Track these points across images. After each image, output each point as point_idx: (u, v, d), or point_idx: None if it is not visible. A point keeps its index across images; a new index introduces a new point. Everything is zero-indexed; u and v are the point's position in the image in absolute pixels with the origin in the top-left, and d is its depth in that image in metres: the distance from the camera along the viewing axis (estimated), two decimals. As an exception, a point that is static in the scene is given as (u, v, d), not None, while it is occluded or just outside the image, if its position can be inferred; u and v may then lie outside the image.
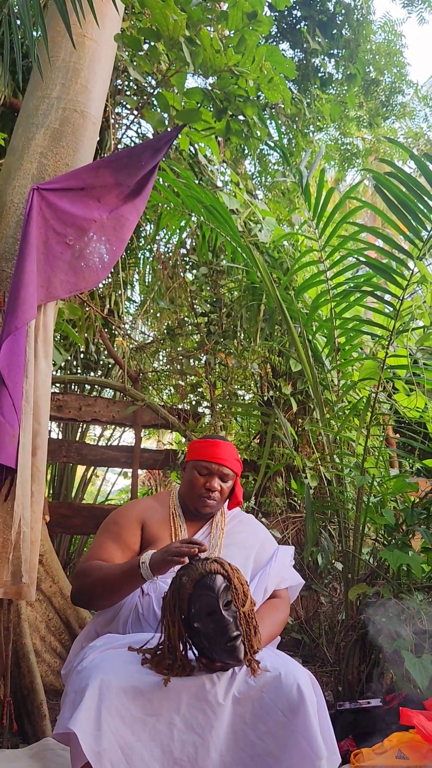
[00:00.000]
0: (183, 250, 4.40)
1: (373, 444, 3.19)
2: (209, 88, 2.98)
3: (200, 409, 4.17)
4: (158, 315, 4.64)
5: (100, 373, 5.12)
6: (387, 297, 2.90)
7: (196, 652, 1.62)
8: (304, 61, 5.86)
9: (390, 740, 2.07)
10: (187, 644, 1.61)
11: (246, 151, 5.04)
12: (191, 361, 4.25)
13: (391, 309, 2.83)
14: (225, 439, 2.11)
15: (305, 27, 5.79)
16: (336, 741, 1.75)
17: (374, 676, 2.57)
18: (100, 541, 1.94)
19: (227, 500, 2.12)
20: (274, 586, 2.02)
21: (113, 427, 5.17)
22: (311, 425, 3.71)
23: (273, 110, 5.39)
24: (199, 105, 3.12)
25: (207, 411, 4.21)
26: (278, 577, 2.04)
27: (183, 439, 4.08)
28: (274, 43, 6.08)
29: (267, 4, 4.96)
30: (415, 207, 2.59)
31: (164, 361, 4.75)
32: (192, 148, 4.01)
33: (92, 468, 5.09)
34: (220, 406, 4.10)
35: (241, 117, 3.02)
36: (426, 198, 2.56)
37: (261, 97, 3.82)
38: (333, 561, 3.27)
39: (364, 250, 2.92)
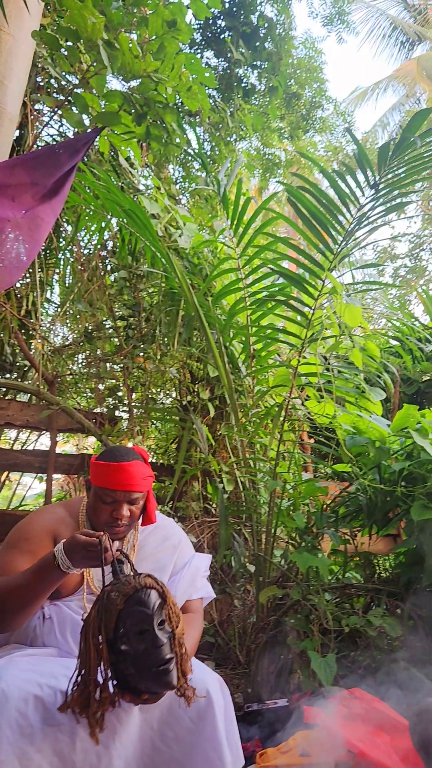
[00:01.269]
0: (103, 253, 4.36)
1: (287, 449, 3.28)
2: (129, 92, 2.97)
3: (118, 413, 4.14)
4: (77, 317, 4.57)
5: (15, 375, 4.97)
6: (302, 307, 2.99)
7: (115, 684, 1.44)
8: (228, 71, 5.94)
9: (294, 739, 2.12)
10: (108, 673, 1.41)
11: (168, 156, 5.04)
12: (108, 365, 4.21)
13: (304, 318, 2.92)
14: (131, 455, 1.86)
15: (229, 37, 5.88)
16: (242, 742, 1.79)
17: (283, 676, 2.63)
18: (7, 558, 1.75)
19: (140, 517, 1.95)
20: (186, 596, 1.95)
21: (29, 431, 5.04)
22: (227, 430, 3.76)
23: (197, 118, 5.44)
24: (119, 108, 3.11)
25: (124, 415, 4.18)
26: (191, 587, 1.97)
27: (101, 444, 4.04)
28: (199, 51, 6.15)
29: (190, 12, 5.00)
30: (327, 221, 2.68)
31: (83, 364, 4.68)
32: (113, 151, 3.98)
33: (6, 472, 4.93)
34: (138, 410, 4.09)
35: (161, 123, 3.03)
36: (336, 213, 2.66)
37: (183, 105, 3.84)
38: (246, 563, 3.32)
39: (279, 260, 3.00)
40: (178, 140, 2.90)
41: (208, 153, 5.69)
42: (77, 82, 3.10)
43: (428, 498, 2.65)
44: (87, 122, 3.26)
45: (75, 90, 3.02)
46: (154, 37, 2.82)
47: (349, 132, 2.52)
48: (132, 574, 1.50)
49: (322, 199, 2.62)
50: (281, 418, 2.95)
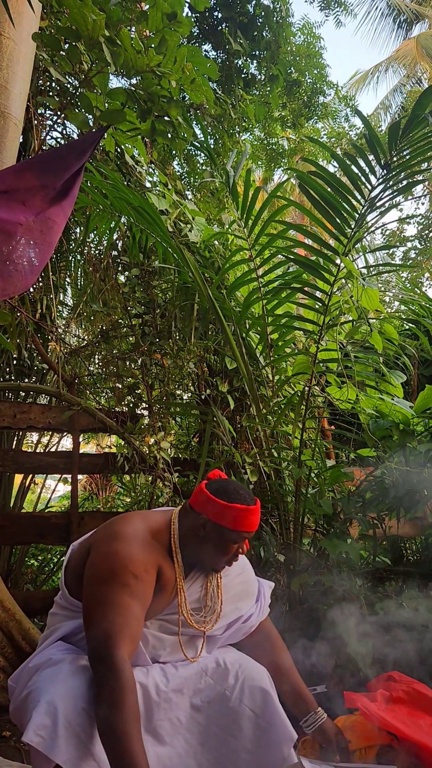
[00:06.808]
0: (114, 252, 4.37)
1: (309, 437, 3.27)
2: (133, 89, 2.97)
3: (138, 411, 4.15)
4: (92, 318, 4.59)
5: (34, 378, 5.01)
6: (317, 293, 2.98)
7: None
8: (227, 63, 5.91)
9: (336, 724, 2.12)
10: None
11: (173, 152, 5.04)
12: (127, 363, 4.22)
13: (320, 304, 2.90)
14: (250, 492, 1.83)
15: (226, 28, 5.84)
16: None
17: (319, 662, 2.63)
18: (119, 598, 1.56)
19: None
20: (263, 616, 2.05)
21: (51, 433, 5.07)
22: (248, 421, 3.76)
23: (199, 111, 5.42)
24: (123, 105, 3.11)
25: (145, 412, 4.19)
26: (266, 608, 2.06)
27: (122, 442, 4.05)
28: (197, 44, 6.12)
29: (187, 5, 4.98)
30: (339, 205, 2.66)
31: (100, 364, 4.69)
32: (118, 149, 3.98)
33: (30, 476, 4.98)
34: (158, 406, 4.09)
35: (166, 118, 3.02)
36: (349, 196, 2.64)
37: (186, 99, 3.83)
38: (275, 553, 3.32)
39: (292, 248, 2.98)
40: (184, 134, 2.89)
41: (213, 146, 5.66)
42: (78, 83, 3.10)
43: (456, 478, 2.63)
44: (91, 122, 3.26)
45: (78, 90, 3.01)
46: (154, 31, 2.81)
47: (357, 112, 2.49)
48: None
49: (334, 183, 2.60)
50: (303, 406, 2.94)
